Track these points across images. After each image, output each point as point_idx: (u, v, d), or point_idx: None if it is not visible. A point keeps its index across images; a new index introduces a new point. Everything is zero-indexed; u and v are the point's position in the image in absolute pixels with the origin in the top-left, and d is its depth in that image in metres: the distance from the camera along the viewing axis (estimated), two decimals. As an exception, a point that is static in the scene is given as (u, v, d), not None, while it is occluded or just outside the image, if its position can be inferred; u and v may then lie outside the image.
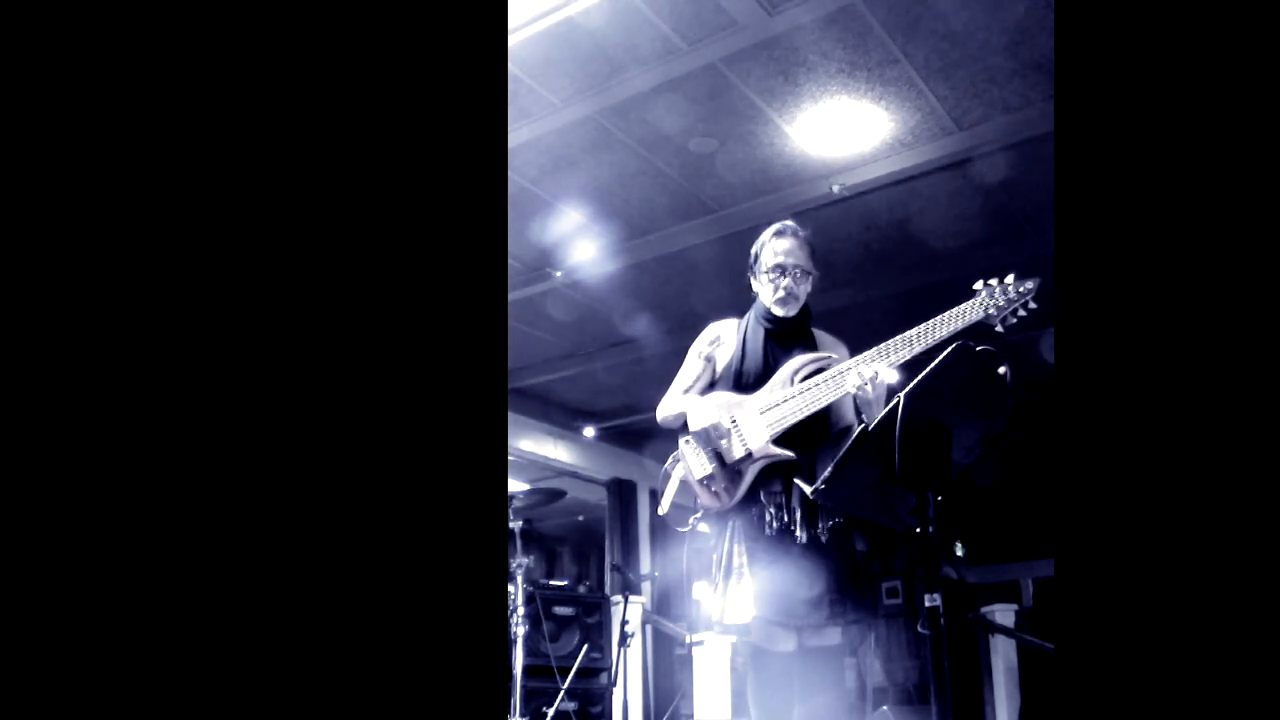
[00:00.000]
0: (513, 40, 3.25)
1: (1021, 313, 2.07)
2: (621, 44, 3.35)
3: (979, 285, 2.09)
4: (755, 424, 2.28)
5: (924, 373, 1.70)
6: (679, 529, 2.43)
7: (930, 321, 2.11)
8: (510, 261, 4.81)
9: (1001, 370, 1.74)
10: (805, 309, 2.43)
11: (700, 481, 2.35)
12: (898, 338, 2.14)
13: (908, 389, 1.69)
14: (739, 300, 2.52)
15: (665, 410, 2.48)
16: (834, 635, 2.28)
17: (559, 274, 4.99)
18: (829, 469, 1.78)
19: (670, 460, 2.45)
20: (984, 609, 5.41)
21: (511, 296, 5.02)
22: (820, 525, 2.22)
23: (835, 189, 4.18)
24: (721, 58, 3.41)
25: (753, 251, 2.46)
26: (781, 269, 2.37)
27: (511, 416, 6.56)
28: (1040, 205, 4.32)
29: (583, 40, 3.33)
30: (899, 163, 4.04)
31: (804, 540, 2.21)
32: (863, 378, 2.14)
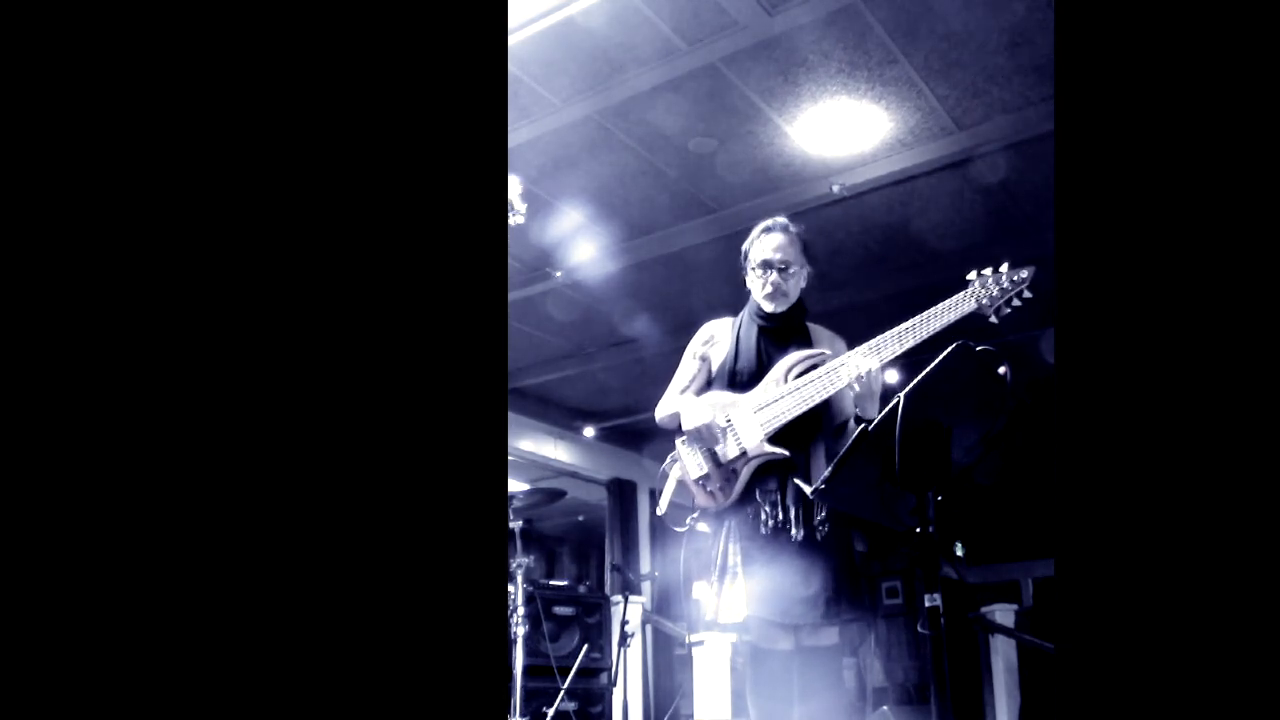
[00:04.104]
0: (513, 40, 3.25)
1: (1016, 303, 2.05)
2: (621, 44, 3.35)
3: (972, 275, 2.09)
4: (749, 423, 2.28)
5: (924, 372, 1.70)
6: (676, 529, 2.43)
7: (922, 315, 2.10)
8: (510, 261, 4.81)
9: (1001, 370, 1.74)
10: (799, 305, 2.42)
11: (696, 482, 2.35)
12: (890, 332, 2.13)
13: (908, 389, 1.69)
14: (739, 300, 2.52)
15: (662, 411, 2.48)
16: (831, 635, 2.28)
17: (559, 274, 4.99)
18: (829, 469, 1.77)
19: (668, 460, 2.45)
20: (984, 609, 5.40)
21: (511, 296, 5.02)
22: (815, 523, 2.21)
23: (835, 189, 4.18)
24: (721, 58, 3.41)
25: (743, 249, 2.45)
26: (768, 264, 2.36)
27: (511, 416, 6.56)
28: (1040, 205, 4.32)
29: (583, 40, 3.33)
30: (899, 163, 4.04)
31: (799, 538, 2.20)
32: (858, 370, 2.13)
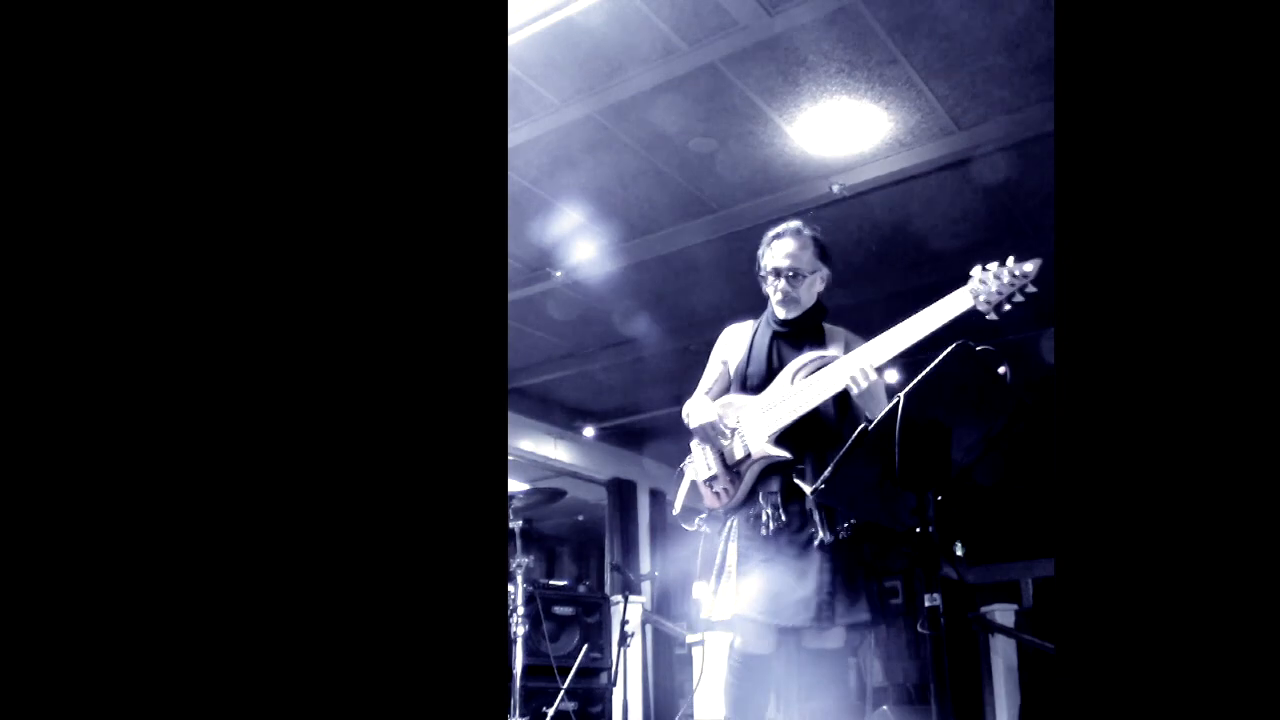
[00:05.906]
0: (513, 40, 3.25)
1: (1019, 298, 1.95)
2: (621, 44, 3.35)
3: (975, 270, 2.00)
4: (756, 425, 2.28)
5: (924, 372, 1.70)
6: (686, 527, 2.44)
7: (917, 314, 2.06)
8: (510, 261, 4.80)
9: (1001, 370, 1.74)
10: (817, 307, 2.42)
11: (705, 482, 2.37)
12: (885, 333, 2.11)
13: (908, 389, 1.69)
14: (739, 300, 2.53)
15: (685, 411, 2.50)
16: (837, 638, 2.28)
17: (559, 274, 4.98)
18: (829, 469, 1.77)
19: (685, 460, 2.47)
20: (984, 609, 5.41)
21: (511, 296, 5.01)
22: (838, 527, 2.20)
23: (835, 189, 4.18)
24: (721, 58, 3.40)
25: (757, 255, 2.45)
26: (778, 271, 2.36)
27: (511, 416, 6.56)
28: (1040, 205, 4.32)
29: (583, 40, 3.33)
30: (899, 163, 4.04)
31: (822, 541, 2.19)
32: (852, 371, 2.13)
